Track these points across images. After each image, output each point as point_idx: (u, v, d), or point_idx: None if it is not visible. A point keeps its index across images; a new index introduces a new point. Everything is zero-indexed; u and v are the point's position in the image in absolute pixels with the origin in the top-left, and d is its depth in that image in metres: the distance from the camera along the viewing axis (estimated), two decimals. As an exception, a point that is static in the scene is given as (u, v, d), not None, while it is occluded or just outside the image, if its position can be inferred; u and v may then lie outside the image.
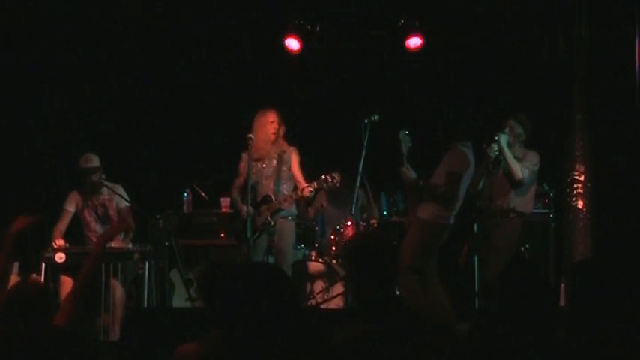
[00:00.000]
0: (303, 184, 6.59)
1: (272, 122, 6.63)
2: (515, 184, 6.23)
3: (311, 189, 6.53)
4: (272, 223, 6.58)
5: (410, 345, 2.96)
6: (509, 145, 6.26)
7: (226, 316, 2.70)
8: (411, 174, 6.20)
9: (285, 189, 6.66)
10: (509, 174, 6.25)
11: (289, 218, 6.69)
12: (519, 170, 6.21)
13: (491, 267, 6.13)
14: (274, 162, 6.66)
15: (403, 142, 6.19)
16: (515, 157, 6.27)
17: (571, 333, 3.23)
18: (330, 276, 7.26)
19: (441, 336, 3.14)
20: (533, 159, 6.33)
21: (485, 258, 6.35)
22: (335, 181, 6.49)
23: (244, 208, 6.54)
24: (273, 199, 6.57)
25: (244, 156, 6.70)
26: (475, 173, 6.32)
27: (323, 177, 6.49)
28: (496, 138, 6.21)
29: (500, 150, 6.23)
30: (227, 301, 2.71)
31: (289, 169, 6.67)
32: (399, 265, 5.94)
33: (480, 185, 6.40)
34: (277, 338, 2.61)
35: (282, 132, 6.69)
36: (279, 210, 6.59)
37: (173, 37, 8.31)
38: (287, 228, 6.67)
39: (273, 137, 6.62)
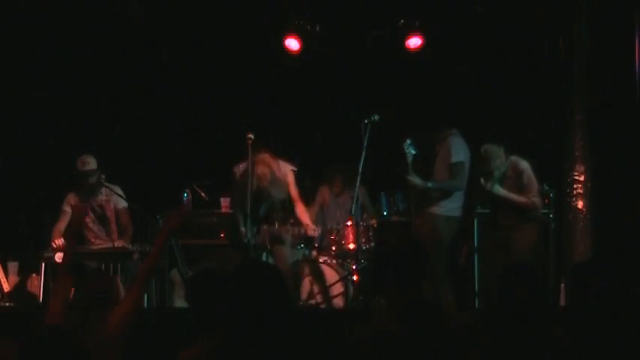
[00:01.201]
0: (298, 202, 6.88)
1: (264, 174, 6.68)
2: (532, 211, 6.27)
3: (315, 234, 6.86)
4: (268, 247, 6.74)
5: (434, 346, 2.96)
6: (501, 181, 6.25)
7: (222, 317, 2.69)
8: (417, 180, 6.25)
9: (281, 205, 6.89)
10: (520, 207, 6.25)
11: (286, 244, 6.91)
12: (531, 204, 6.25)
13: None
14: (272, 188, 6.82)
15: (407, 153, 6.24)
16: (509, 178, 6.27)
17: (571, 333, 3.23)
18: (330, 276, 7.25)
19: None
20: (527, 179, 6.27)
21: (501, 263, 6.28)
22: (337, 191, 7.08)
23: (244, 234, 6.67)
24: (277, 224, 6.69)
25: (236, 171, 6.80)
26: (480, 183, 6.36)
27: (325, 197, 7.11)
28: (490, 190, 6.22)
29: (502, 197, 6.24)
30: (222, 302, 2.71)
31: (285, 190, 6.85)
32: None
33: (483, 189, 6.42)
34: (271, 338, 2.61)
35: (274, 170, 6.76)
36: (279, 236, 6.70)
37: (173, 37, 8.30)
38: (284, 255, 6.89)
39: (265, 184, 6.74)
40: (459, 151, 6.18)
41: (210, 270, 3.45)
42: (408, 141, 6.29)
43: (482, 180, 6.30)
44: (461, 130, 6.50)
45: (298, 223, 6.89)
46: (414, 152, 6.28)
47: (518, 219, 6.29)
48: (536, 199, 6.28)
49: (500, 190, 6.22)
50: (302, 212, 6.80)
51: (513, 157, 6.34)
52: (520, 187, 6.26)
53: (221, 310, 2.76)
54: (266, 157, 6.79)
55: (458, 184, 6.18)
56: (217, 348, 2.69)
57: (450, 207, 6.16)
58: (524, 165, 6.32)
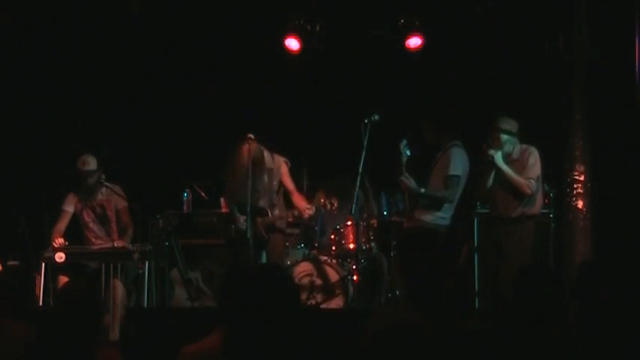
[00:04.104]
0: (295, 193, 6.79)
1: (246, 155, 6.63)
2: (526, 197, 6.23)
3: (310, 212, 6.72)
4: (266, 238, 6.73)
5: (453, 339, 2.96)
6: (506, 159, 6.24)
7: (231, 317, 2.69)
8: (411, 183, 6.26)
9: (277, 199, 6.83)
10: (513, 186, 6.23)
11: (280, 233, 6.87)
12: (526, 185, 6.19)
13: (506, 273, 6.00)
14: (265, 178, 6.73)
15: (402, 153, 6.24)
16: (514, 160, 6.26)
17: (572, 332, 3.24)
18: (330, 276, 7.25)
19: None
20: (532, 162, 6.27)
21: (495, 263, 6.28)
22: (334, 207, 6.92)
23: (241, 219, 6.64)
24: (270, 214, 6.66)
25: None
26: (480, 177, 6.36)
27: (322, 201, 6.84)
28: (490, 158, 6.21)
29: (500, 169, 6.22)
30: (232, 302, 2.71)
31: (279, 181, 6.79)
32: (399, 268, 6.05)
33: (482, 188, 6.42)
34: (280, 338, 2.62)
35: (260, 154, 6.69)
36: (273, 225, 6.69)
37: (173, 37, 8.31)
38: (279, 243, 6.86)
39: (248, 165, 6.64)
40: (457, 164, 6.17)
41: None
42: (405, 141, 6.29)
43: (485, 145, 6.28)
44: (460, 131, 6.50)
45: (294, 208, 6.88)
46: (409, 154, 6.29)
47: (508, 220, 6.25)
48: (532, 183, 6.22)
49: (500, 160, 6.20)
50: (298, 200, 6.79)
51: (525, 145, 6.34)
52: (523, 170, 6.24)
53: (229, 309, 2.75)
54: (258, 146, 6.75)
55: (449, 196, 6.16)
56: (221, 346, 2.69)
57: (439, 216, 6.16)
58: (534, 149, 6.31)
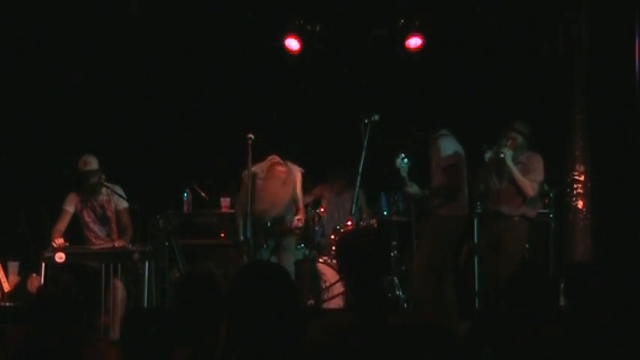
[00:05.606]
0: (300, 205, 6.91)
1: (280, 172, 6.78)
2: (527, 199, 6.28)
3: (300, 224, 6.85)
4: (265, 246, 6.80)
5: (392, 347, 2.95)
6: (513, 160, 6.29)
7: (230, 317, 2.69)
8: (415, 190, 6.29)
9: (287, 209, 6.92)
10: (517, 186, 6.29)
11: (289, 250, 6.97)
12: (529, 187, 6.27)
13: (505, 269, 6.07)
14: (289, 190, 6.90)
15: (401, 168, 6.26)
16: (520, 163, 6.30)
17: (570, 332, 3.24)
18: (330, 276, 7.25)
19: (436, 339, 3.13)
20: (538, 167, 6.34)
21: (493, 261, 6.31)
22: (321, 214, 7.30)
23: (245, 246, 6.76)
24: (268, 224, 6.69)
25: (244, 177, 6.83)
26: (479, 177, 6.39)
27: (313, 211, 7.17)
28: (501, 155, 6.26)
29: (507, 167, 6.27)
30: (231, 301, 2.71)
31: (293, 190, 6.89)
32: (419, 265, 6.13)
33: (481, 187, 6.44)
34: (278, 338, 2.62)
35: (285, 171, 6.83)
36: (276, 235, 6.73)
37: (173, 37, 8.31)
38: (286, 261, 6.87)
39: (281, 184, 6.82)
40: (447, 150, 6.18)
41: (198, 271, 3.43)
42: (402, 155, 6.29)
43: (485, 146, 6.32)
44: (459, 130, 6.49)
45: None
46: (406, 162, 6.29)
47: (506, 217, 6.31)
48: (535, 186, 6.30)
49: (508, 159, 6.25)
50: (298, 211, 6.86)
51: (531, 152, 6.41)
52: (528, 173, 6.31)
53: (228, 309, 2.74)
54: (276, 159, 6.83)
55: (452, 184, 6.16)
56: (215, 347, 2.69)
57: (455, 206, 6.18)
58: (540, 157, 6.40)
